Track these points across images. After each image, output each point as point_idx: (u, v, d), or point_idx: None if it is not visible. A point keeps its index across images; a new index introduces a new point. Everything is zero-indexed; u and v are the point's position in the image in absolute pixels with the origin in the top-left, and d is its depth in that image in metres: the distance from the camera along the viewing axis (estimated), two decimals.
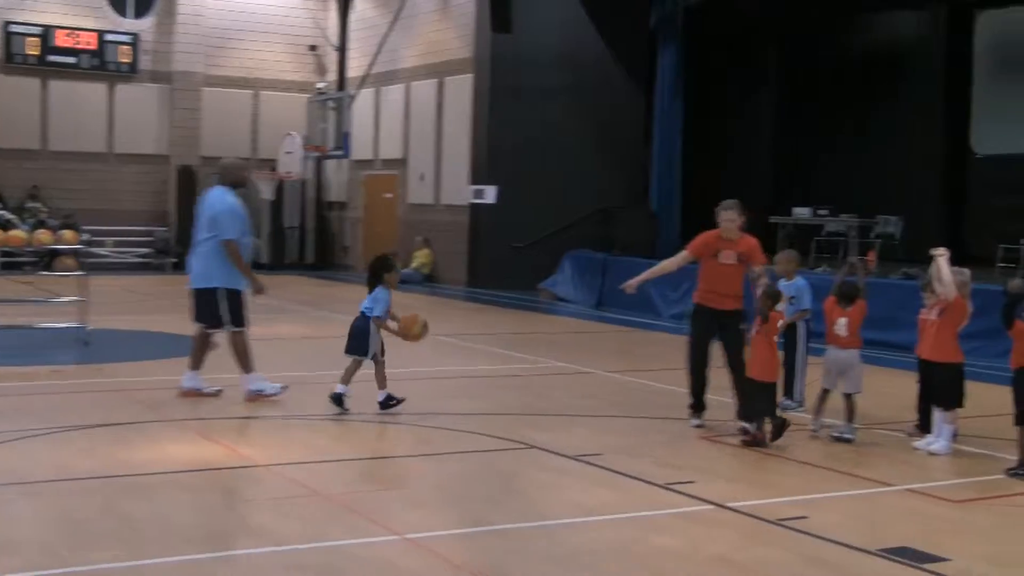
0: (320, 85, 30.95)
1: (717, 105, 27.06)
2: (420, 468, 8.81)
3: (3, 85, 28.86)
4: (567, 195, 25.26)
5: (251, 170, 11.24)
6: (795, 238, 20.76)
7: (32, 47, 28.99)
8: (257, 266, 29.37)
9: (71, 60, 29.38)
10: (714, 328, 10.29)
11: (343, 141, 29.26)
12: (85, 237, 27.79)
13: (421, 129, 27.97)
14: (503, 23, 24.61)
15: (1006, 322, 8.80)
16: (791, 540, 6.97)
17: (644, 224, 24.44)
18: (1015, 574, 6.65)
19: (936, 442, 9.53)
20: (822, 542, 6.89)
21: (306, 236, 31.52)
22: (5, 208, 27.84)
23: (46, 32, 29.06)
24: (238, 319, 11.17)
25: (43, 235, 15.72)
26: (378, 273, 10.88)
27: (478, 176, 25.65)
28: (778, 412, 9.77)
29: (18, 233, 16.44)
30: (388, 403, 10.61)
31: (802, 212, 21.40)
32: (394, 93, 29.05)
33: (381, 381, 10.64)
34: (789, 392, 11.11)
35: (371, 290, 10.84)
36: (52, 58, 29.16)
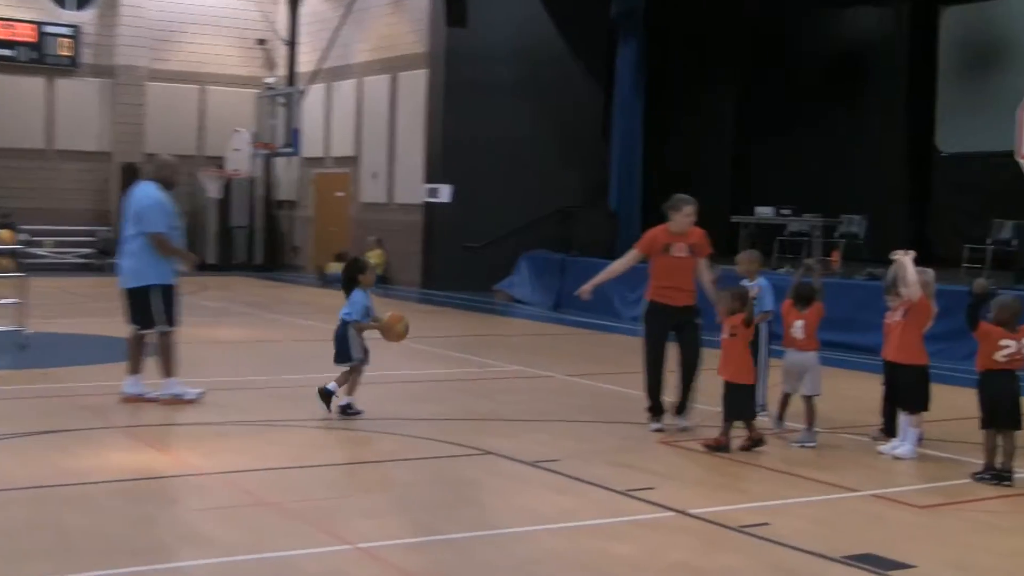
0: (269, 80, 30.82)
1: (678, 102, 27.12)
2: (372, 475, 8.77)
3: None
4: (524, 194, 25.26)
5: (181, 171, 11.22)
6: (757, 238, 20.85)
7: None
8: (203, 267, 29.32)
9: (8, 53, 29.09)
10: (669, 326, 10.43)
11: (293, 138, 29.15)
12: (23, 237, 27.56)
13: (374, 126, 27.90)
14: (458, 17, 24.59)
15: (971, 323, 8.86)
16: (753, 547, 6.98)
17: (603, 223, 24.48)
18: None
19: (901, 446, 9.58)
20: (785, 549, 6.91)
21: (255, 236, 31.36)
22: None
23: None
24: (171, 318, 11.08)
25: None
26: (352, 276, 10.98)
27: (432, 174, 25.61)
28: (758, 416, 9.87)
29: None
30: (347, 409, 10.65)
31: (765, 211, 21.51)
32: (346, 89, 28.96)
33: (350, 385, 10.72)
34: None
35: (347, 294, 10.91)
36: None
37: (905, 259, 9.64)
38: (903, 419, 9.67)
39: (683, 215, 10.50)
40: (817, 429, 10.20)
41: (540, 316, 21.39)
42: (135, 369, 11.16)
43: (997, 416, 8.82)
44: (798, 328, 10.20)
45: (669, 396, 10.66)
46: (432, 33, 25.77)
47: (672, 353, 10.56)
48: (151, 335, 11.14)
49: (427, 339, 16.19)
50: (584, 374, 13.94)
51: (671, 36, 26.28)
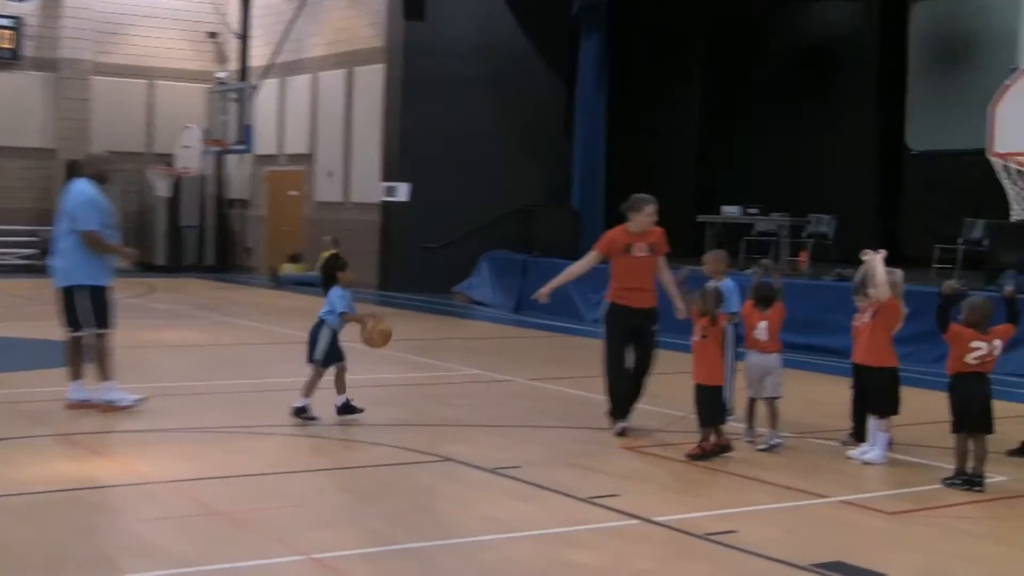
0: (220, 75, 30.65)
1: (642, 98, 27.18)
2: (327, 483, 8.74)
3: None
4: (484, 192, 25.25)
5: (130, 168, 11.06)
6: (724, 238, 20.92)
7: None
8: (152, 268, 29.15)
9: None
10: (629, 328, 10.58)
11: (245, 135, 29.01)
12: None
13: (329, 122, 27.82)
14: (416, 10, 24.56)
15: (941, 325, 8.91)
16: (719, 556, 7.01)
17: (566, 223, 24.51)
18: None
19: (871, 451, 9.64)
20: (752, 557, 6.94)
21: (205, 236, 31.20)
22: None
23: None
24: (102, 320, 10.96)
25: None
26: (330, 273, 10.99)
27: (390, 172, 25.56)
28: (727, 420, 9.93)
29: None
30: (301, 412, 10.64)
31: (731, 210, 21.59)
32: (300, 84, 28.86)
33: (308, 388, 10.71)
34: None
35: (326, 292, 10.93)
36: None
37: (875, 259, 9.70)
38: (873, 423, 9.73)
39: (645, 215, 10.65)
40: (784, 433, 10.25)
41: (501, 318, 21.39)
42: (76, 374, 11.04)
43: (968, 420, 8.88)
44: (762, 330, 10.27)
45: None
46: (389, 27, 25.72)
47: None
48: (88, 337, 11.01)
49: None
50: (546, 378, 13.95)
51: (635, 31, 26.35)
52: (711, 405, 9.69)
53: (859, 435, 10.04)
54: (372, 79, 26.27)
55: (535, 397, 12.69)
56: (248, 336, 17.35)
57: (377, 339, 10.98)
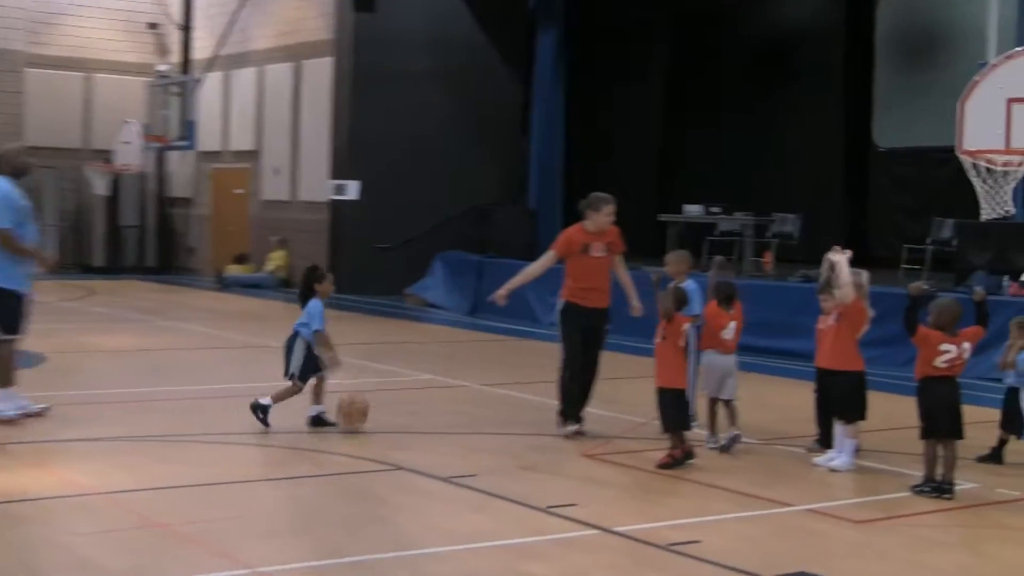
0: (161, 68, 30.44)
1: (601, 94, 27.22)
2: (272, 493, 8.69)
3: None
4: (438, 191, 25.21)
5: (29, 156, 10.79)
6: (686, 238, 20.98)
7: None
8: (90, 270, 28.92)
9: None
10: (583, 328, 10.78)
11: (188, 130, 28.81)
12: None
13: (276, 117, 27.70)
14: (366, 1, 24.49)
15: (909, 328, 8.95)
16: (682, 566, 7.01)
17: (522, 222, 24.51)
18: None
19: (837, 458, 9.68)
20: (715, 568, 6.94)
21: (146, 236, 30.98)
22: None
23: None
24: (10, 325, 10.73)
25: None
26: (309, 284, 10.94)
27: (339, 170, 25.47)
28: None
29: None
30: (260, 403, 10.63)
31: (693, 210, 21.65)
32: (245, 77, 28.72)
33: (279, 396, 10.69)
34: None
35: (303, 304, 10.87)
36: None
37: (840, 259, 9.74)
38: (839, 429, 9.77)
39: (603, 215, 10.86)
40: (749, 440, 10.28)
41: (455, 321, 21.37)
42: (4, 383, 10.82)
43: (937, 425, 8.93)
44: (731, 330, 10.41)
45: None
46: (339, 18, 25.64)
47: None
48: (15, 342, 10.80)
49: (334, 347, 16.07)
50: (502, 383, 13.94)
51: (594, 25, 26.38)
52: (674, 409, 9.68)
53: (825, 441, 10.08)
54: (321, 73, 26.17)
55: (491, 403, 12.67)
56: (191, 341, 17.24)
57: (355, 417, 10.86)
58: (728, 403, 10.40)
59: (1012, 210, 15.98)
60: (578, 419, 10.82)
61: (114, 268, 29.76)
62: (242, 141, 28.88)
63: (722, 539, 7.54)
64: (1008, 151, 15.59)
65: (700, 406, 10.73)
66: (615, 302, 11.20)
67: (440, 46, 25.77)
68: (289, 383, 10.78)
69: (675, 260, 11.30)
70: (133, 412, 11.44)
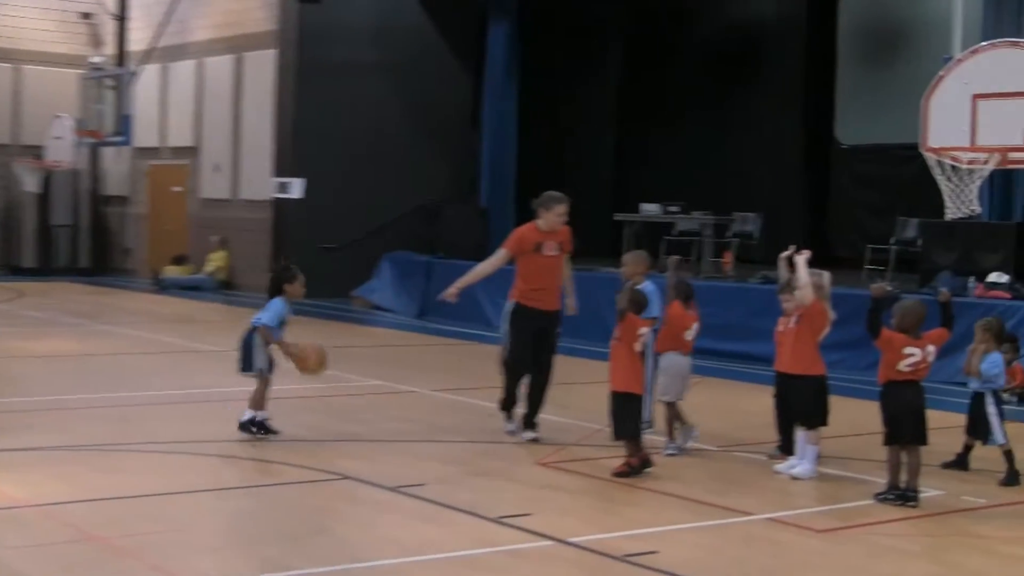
0: (95, 60, 30.22)
1: (556, 89, 27.24)
2: (214, 505, 8.65)
3: None
4: (386, 189, 25.17)
5: None
6: (643, 237, 21.06)
7: None
8: (19, 271, 28.67)
9: None
10: (533, 330, 10.95)
11: (123, 125, 28.62)
12: None
13: (216, 112, 27.57)
14: None
15: (872, 330, 9.01)
16: None
17: (473, 221, 24.52)
18: None
19: (799, 465, 9.74)
20: None
21: (79, 236, 30.75)
22: None
23: None
24: None
25: None
26: (278, 283, 10.94)
27: (282, 167, 25.38)
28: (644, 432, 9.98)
29: None
30: (250, 427, 10.59)
31: (650, 209, 21.73)
32: (184, 70, 28.56)
33: (256, 399, 10.66)
34: None
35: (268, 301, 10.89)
36: None
37: (799, 259, 9.81)
38: (800, 436, 9.82)
39: (555, 215, 11.03)
40: (709, 447, 10.34)
41: (403, 325, 21.34)
42: None
43: (901, 431, 9.00)
44: (694, 330, 10.58)
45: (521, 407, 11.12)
46: (282, 9, 25.54)
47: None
48: None
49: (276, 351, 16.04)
50: (452, 389, 13.94)
51: (548, 17, 26.40)
52: (626, 415, 9.70)
53: (786, 448, 10.14)
54: (263, 65, 26.06)
55: (440, 409, 12.67)
56: (128, 345, 17.14)
57: (307, 368, 10.85)
58: (677, 404, 10.57)
59: (978, 209, 16.13)
60: (532, 425, 10.99)
61: (45, 269, 29.52)
62: (180, 137, 28.71)
63: (680, 549, 7.58)
64: (973, 148, 15.75)
65: (658, 411, 10.78)
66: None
67: (388, 38, 25.72)
68: (256, 382, 10.71)
69: (632, 261, 11.34)
70: (67, 420, 11.37)
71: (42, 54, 30.56)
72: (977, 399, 9.98)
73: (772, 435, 10.49)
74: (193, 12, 28.30)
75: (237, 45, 26.93)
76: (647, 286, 11.07)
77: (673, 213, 21.39)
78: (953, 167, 15.91)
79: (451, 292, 11.23)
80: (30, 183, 29.68)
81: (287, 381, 13.45)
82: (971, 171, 15.77)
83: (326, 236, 24.65)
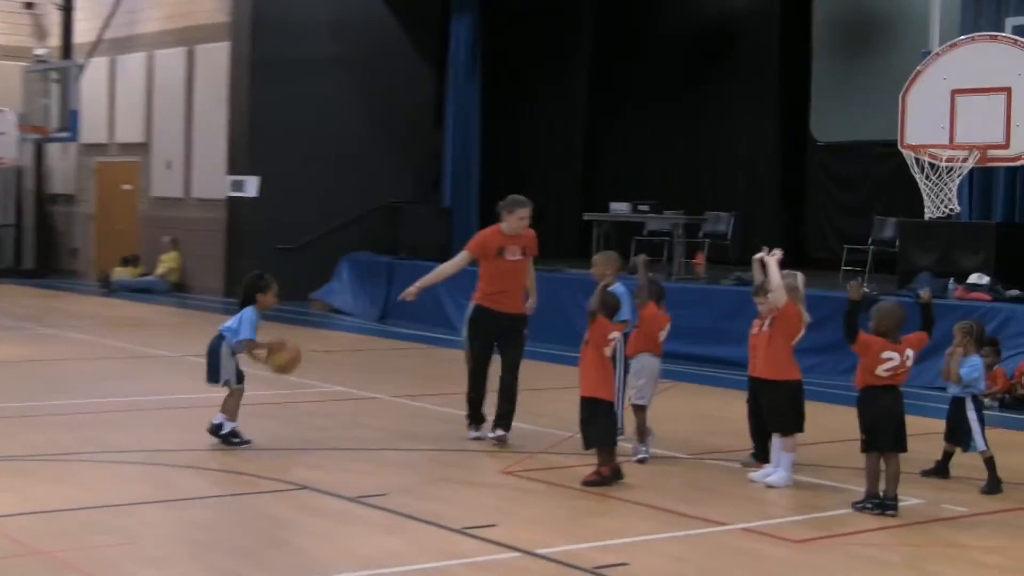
0: (39, 52, 30.07)
1: (522, 85, 27.29)
2: (165, 516, 8.61)
3: None
4: (345, 187, 25.14)
5: None
6: (612, 238, 21.09)
7: None
8: None
9: None
10: (495, 333, 11.18)
11: (69, 120, 28.48)
12: None
13: (167, 107, 27.46)
14: None
15: (849, 334, 9.03)
16: None
17: (436, 222, 24.50)
18: None
19: (774, 473, 9.77)
20: None
21: (23, 236, 30.61)
22: None
23: None
24: None
25: None
26: (250, 292, 11.04)
27: (237, 165, 25.32)
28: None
29: None
30: (222, 433, 10.62)
31: (620, 208, 21.74)
32: (133, 63, 28.45)
33: (228, 409, 10.72)
34: None
35: (240, 309, 10.93)
36: None
37: (770, 260, 9.84)
38: (776, 443, 9.86)
39: (517, 218, 11.24)
40: (680, 455, 10.37)
41: (364, 328, 21.31)
42: None
43: (880, 437, 9.03)
44: (667, 331, 10.66)
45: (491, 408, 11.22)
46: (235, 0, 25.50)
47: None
48: None
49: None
50: (415, 394, 13.94)
51: (513, 10, 26.41)
52: (597, 423, 9.70)
53: (761, 455, 10.18)
54: (216, 59, 25.99)
55: (403, 416, 12.67)
56: (75, 350, 17.05)
57: (278, 366, 10.86)
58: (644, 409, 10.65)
59: (957, 208, 16.20)
60: (479, 424, 11.28)
61: None
62: (130, 133, 28.59)
63: (652, 561, 7.60)
64: (953, 146, 15.81)
65: (627, 416, 10.79)
66: (536, 309, 11.44)
67: (347, 31, 25.68)
68: (225, 392, 10.76)
69: (603, 262, 11.36)
70: (11, 429, 11.29)
71: None
72: (957, 404, 10.02)
73: (746, 442, 10.52)
74: (142, 2, 28.20)
75: (188, 37, 26.84)
76: (618, 287, 11.10)
77: (643, 212, 21.41)
78: (932, 165, 15.97)
79: (411, 291, 11.39)
80: None
81: (247, 387, 13.42)
82: (950, 169, 15.83)
83: (282, 236, 24.61)
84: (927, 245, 17.16)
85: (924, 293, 9.64)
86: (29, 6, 30.91)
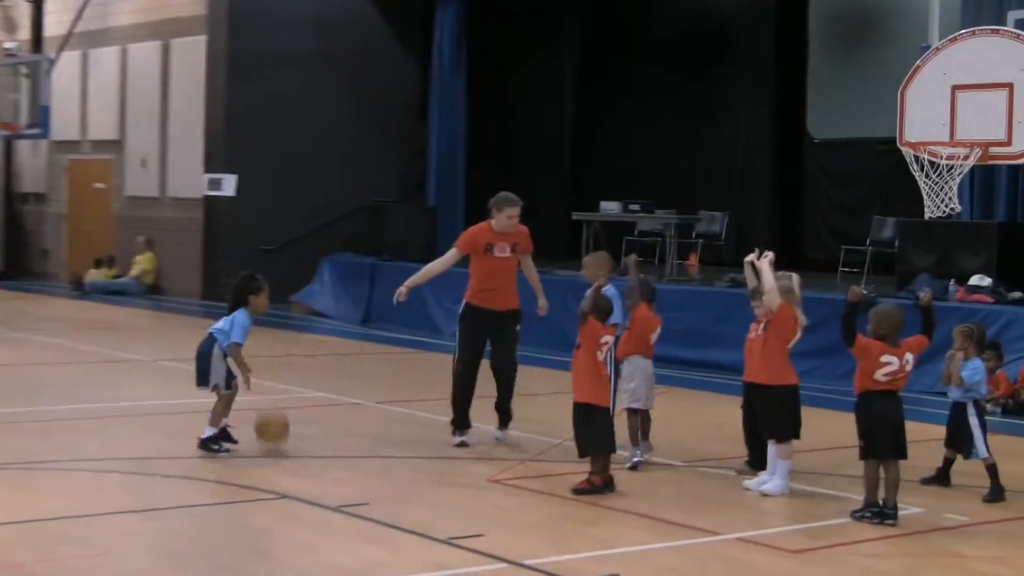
0: (8, 45, 30.04)
1: (509, 80, 27.31)
2: (141, 526, 8.60)
3: None
4: (326, 186, 25.12)
5: None
6: (602, 238, 21.10)
7: None
8: None
9: None
10: (486, 332, 11.36)
11: (40, 117, 28.38)
12: None
13: (142, 103, 27.43)
14: None
15: (847, 337, 9.04)
16: None
17: (420, 221, 24.52)
18: None
19: (770, 481, 9.78)
20: None
21: None
22: None
23: None
24: None
25: None
26: (242, 294, 11.09)
27: (214, 163, 25.30)
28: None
29: None
30: (202, 439, 10.63)
31: (611, 207, 21.75)
32: (107, 57, 28.42)
33: (216, 418, 10.74)
34: None
35: (231, 312, 10.98)
36: None
37: (762, 262, 9.85)
38: (771, 450, 9.87)
39: (505, 216, 11.39)
40: (675, 462, 10.39)
41: (346, 332, 21.31)
42: None
43: (878, 444, 9.04)
44: (658, 333, 10.74)
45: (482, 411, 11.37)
46: None
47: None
48: None
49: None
50: (398, 400, 13.94)
51: (498, 2, 26.41)
52: (591, 428, 9.71)
53: (756, 463, 10.19)
54: (192, 53, 25.96)
55: (386, 422, 12.67)
56: (47, 354, 17.03)
57: (266, 435, 10.90)
58: (647, 412, 10.67)
59: (958, 208, 16.25)
60: (465, 428, 11.36)
61: None
62: (103, 130, 28.56)
63: (644, 571, 7.61)
64: (953, 143, 15.87)
65: (620, 421, 10.80)
66: (526, 310, 11.45)
67: (328, 24, 25.67)
68: (214, 398, 10.78)
69: (594, 263, 11.37)
70: None
71: None
72: (958, 409, 10.04)
73: (741, 449, 10.54)
74: None
75: (164, 31, 26.81)
76: (609, 290, 11.12)
77: (635, 212, 21.43)
78: (932, 163, 16.02)
79: (401, 291, 11.50)
80: None
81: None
82: (951, 167, 15.89)
83: (262, 237, 24.58)
84: (927, 246, 17.18)
85: (924, 295, 9.63)
86: None
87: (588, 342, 9.77)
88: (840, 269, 19.45)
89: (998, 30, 16.01)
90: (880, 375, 9.02)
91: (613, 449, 9.83)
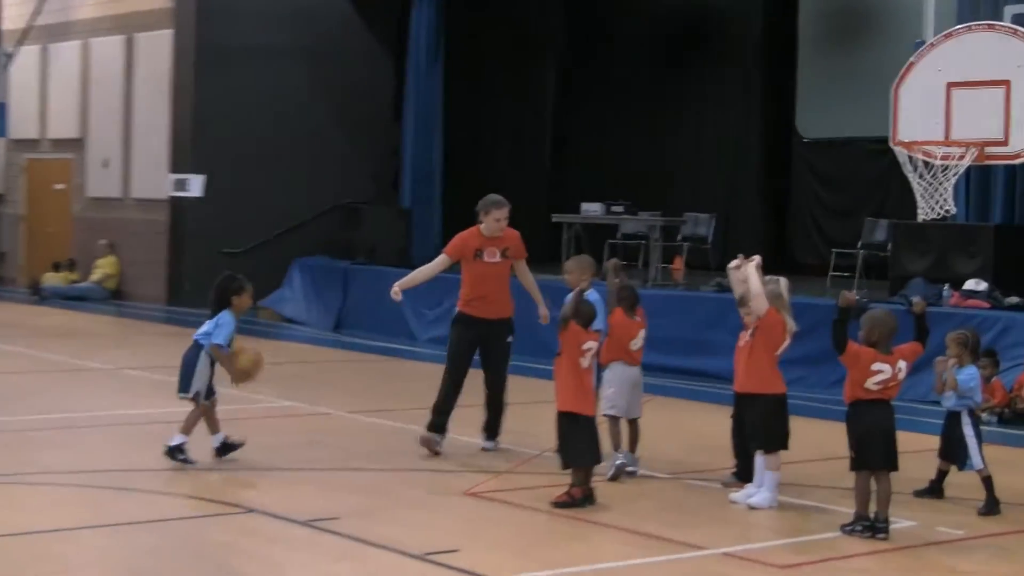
0: None
1: (487, 78, 27.29)
2: (101, 543, 8.58)
3: None
4: (297, 187, 25.09)
5: None
6: (584, 241, 21.10)
7: None
8: None
9: None
10: (477, 341, 11.47)
11: None
12: None
13: (104, 100, 27.36)
14: None
15: (837, 344, 9.06)
16: None
17: (395, 224, 24.47)
18: None
19: (758, 493, 9.79)
20: None
21: None
22: None
23: None
24: None
25: None
26: (225, 295, 11.08)
27: (180, 163, 25.24)
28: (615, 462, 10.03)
29: None
30: (170, 445, 10.62)
31: (592, 209, 21.74)
32: (67, 52, 28.34)
33: (188, 425, 10.75)
34: None
35: (214, 315, 10.96)
36: None
37: (748, 267, 9.86)
38: (759, 461, 9.88)
39: (492, 219, 11.48)
40: (655, 472, 10.39)
41: (317, 339, 21.27)
42: None
43: (870, 455, 9.06)
44: (640, 339, 10.73)
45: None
46: None
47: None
48: None
49: (171, 369, 15.93)
50: (370, 410, 13.93)
51: None
52: (575, 439, 9.71)
53: (744, 475, 10.19)
54: (158, 48, 25.90)
55: (358, 433, 12.66)
56: (3, 363, 16.98)
57: (239, 375, 10.93)
58: (634, 423, 10.70)
59: (952, 210, 16.28)
60: (443, 432, 11.46)
61: None
62: (63, 128, 28.48)
63: None
64: (948, 143, 15.91)
65: (603, 429, 10.81)
66: (527, 318, 11.58)
67: (299, 18, 25.64)
68: (191, 406, 10.79)
69: (576, 267, 11.41)
70: None
71: None
72: (952, 419, 10.05)
73: (727, 460, 10.55)
74: None
75: (128, 24, 26.74)
76: (592, 294, 11.13)
77: (617, 214, 21.41)
78: (925, 163, 16.07)
79: (396, 291, 11.54)
80: None
81: (182, 403, 13.38)
82: (945, 167, 15.93)
83: (229, 240, 24.53)
84: (920, 249, 17.18)
85: (917, 301, 9.65)
86: None
87: (570, 349, 9.77)
88: (831, 273, 19.47)
89: (995, 25, 16.07)
90: (871, 383, 9.02)
91: (598, 461, 9.84)
